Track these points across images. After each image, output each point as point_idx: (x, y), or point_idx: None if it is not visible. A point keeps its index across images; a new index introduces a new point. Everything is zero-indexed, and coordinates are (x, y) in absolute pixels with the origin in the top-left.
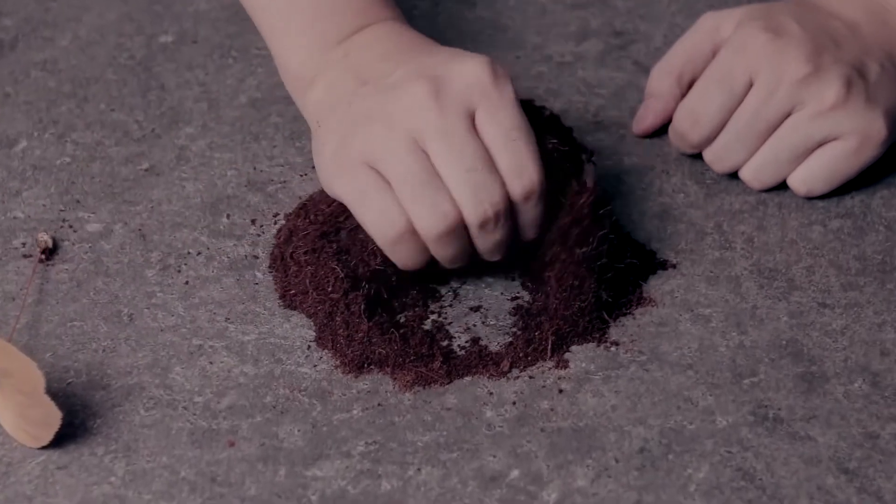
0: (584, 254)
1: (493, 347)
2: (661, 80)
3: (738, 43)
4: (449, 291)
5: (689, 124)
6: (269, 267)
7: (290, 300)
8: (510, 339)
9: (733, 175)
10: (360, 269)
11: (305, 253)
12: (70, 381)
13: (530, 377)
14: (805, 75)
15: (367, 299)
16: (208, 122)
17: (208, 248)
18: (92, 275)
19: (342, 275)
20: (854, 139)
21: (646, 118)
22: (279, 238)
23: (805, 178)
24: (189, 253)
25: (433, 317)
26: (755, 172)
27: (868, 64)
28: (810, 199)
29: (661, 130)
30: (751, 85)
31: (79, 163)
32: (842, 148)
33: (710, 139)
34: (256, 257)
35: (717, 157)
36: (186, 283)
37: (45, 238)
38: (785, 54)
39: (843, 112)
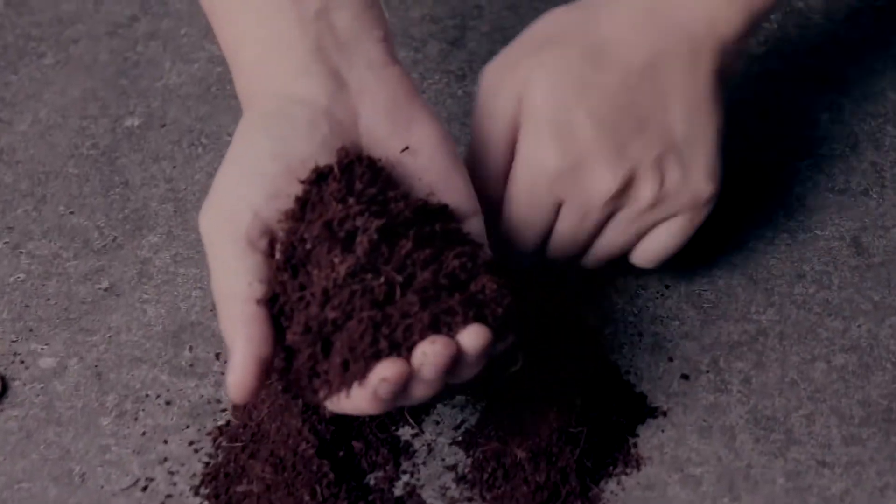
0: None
1: None
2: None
3: (532, 167)
4: (423, 445)
5: (514, 242)
6: (225, 426)
7: (248, 453)
8: None
9: (733, 297)
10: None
11: (269, 407)
12: None
13: None
14: (614, 193)
15: (335, 463)
16: (174, 228)
17: (168, 390)
18: (43, 423)
19: (311, 442)
20: (683, 215)
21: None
22: None
23: (643, 257)
24: (147, 396)
25: (405, 478)
26: (591, 261)
27: (673, 126)
28: (813, 329)
29: None
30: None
31: (34, 280)
32: (673, 225)
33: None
34: (219, 401)
35: (553, 256)
36: (143, 434)
37: None
38: (585, 181)
39: (664, 202)
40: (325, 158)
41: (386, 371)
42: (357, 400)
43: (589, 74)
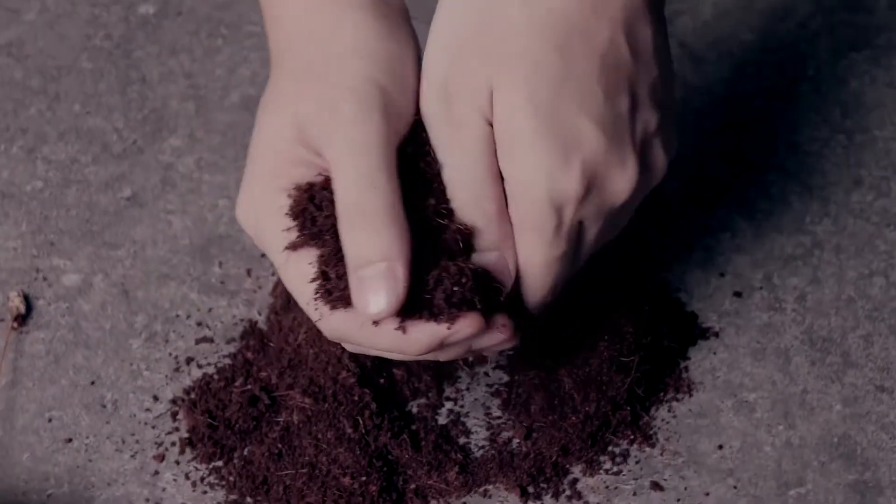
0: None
1: (516, 444)
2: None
3: (552, 198)
4: (466, 370)
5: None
6: (261, 342)
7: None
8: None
9: (787, 206)
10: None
11: (306, 332)
12: (50, 491)
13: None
14: (635, 184)
15: (377, 391)
16: (195, 130)
17: (198, 310)
18: (71, 346)
19: (352, 370)
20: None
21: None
22: (275, 300)
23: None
24: (178, 316)
25: (449, 405)
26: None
27: (653, 85)
28: (871, 241)
29: (715, 142)
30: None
31: (52, 188)
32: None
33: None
34: (253, 322)
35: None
36: (175, 357)
37: (16, 302)
38: (605, 188)
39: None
40: None
41: (471, 324)
42: (419, 336)
43: (564, 66)
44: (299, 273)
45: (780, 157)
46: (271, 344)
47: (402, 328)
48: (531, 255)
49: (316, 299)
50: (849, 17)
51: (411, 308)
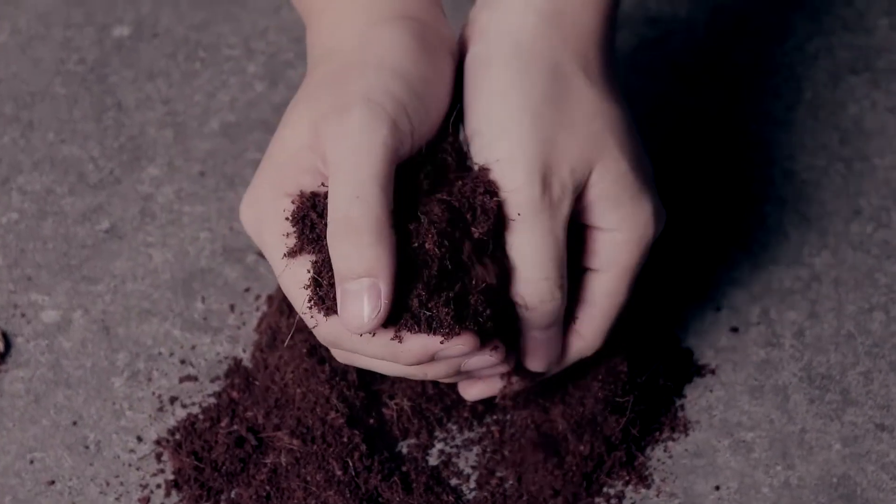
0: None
1: (508, 485)
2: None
3: (639, 244)
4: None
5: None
6: (247, 380)
7: (271, 427)
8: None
9: (784, 238)
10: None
11: (293, 371)
12: None
13: None
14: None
15: (366, 432)
16: (174, 158)
17: (181, 347)
18: (51, 385)
19: (340, 410)
20: None
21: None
22: (260, 337)
23: None
24: (160, 353)
25: (440, 445)
26: None
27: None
28: (871, 274)
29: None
30: None
31: (28, 220)
32: None
33: None
34: (238, 359)
35: None
36: (158, 396)
37: None
38: (642, 223)
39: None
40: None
41: (466, 342)
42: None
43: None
44: (296, 279)
45: (776, 185)
46: (257, 382)
47: (399, 337)
48: (610, 305)
49: (309, 307)
50: (848, 38)
51: (411, 318)
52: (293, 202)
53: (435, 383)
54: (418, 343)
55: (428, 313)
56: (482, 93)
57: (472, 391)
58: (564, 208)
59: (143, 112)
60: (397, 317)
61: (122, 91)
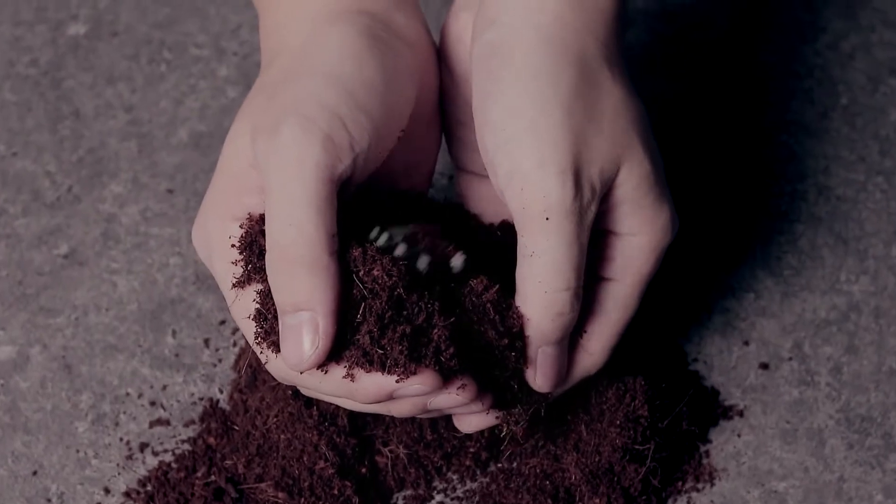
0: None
1: None
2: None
3: (658, 249)
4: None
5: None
6: (225, 424)
7: (253, 477)
8: None
9: (818, 261)
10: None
11: (276, 414)
12: None
13: None
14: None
15: (359, 483)
16: (139, 174)
17: (151, 387)
18: (9, 430)
19: (330, 459)
20: None
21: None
22: (239, 375)
23: None
24: (127, 394)
25: (439, 497)
26: None
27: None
28: None
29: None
30: None
31: None
32: None
33: None
34: (214, 401)
35: None
36: (126, 442)
37: None
38: (662, 227)
39: None
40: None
41: (425, 381)
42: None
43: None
44: (246, 310)
45: (809, 202)
46: (236, 427)
47: (351, 376)
48: (620, 317)
49: (257, 341)
50: (888, 35)
51: (362, 356)
52: (241, 226)
53: (433, 427)
54: (373, 382)
55: (380, 351)
56: (503, 83)
57: (469, 422)
58: (591, 212)
59: (104, 121)
60: (350, 352)
61: (80, 97)
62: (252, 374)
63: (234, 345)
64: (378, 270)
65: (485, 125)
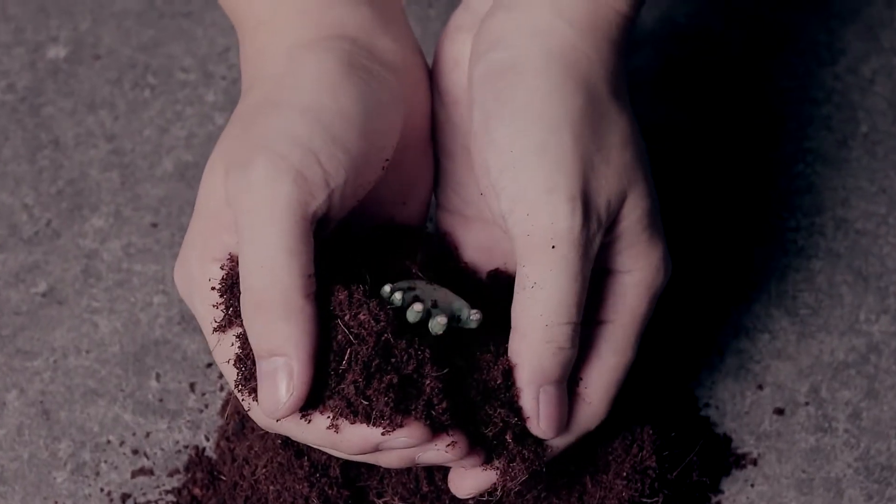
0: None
1: None
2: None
3: (653, 290)
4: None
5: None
6: (211, 474)
7: None
8: None
9: (836, 300)
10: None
11: (265, 464)
12: None
13: None
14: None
15: None
16: (122, 207)
17: (133, 434)
18: None
19: None
20: None
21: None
22: (226, 422)
23: None
24: (109, 442)
25: None
26: None
27: None
28: None
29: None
30: None
31: None
32: None
33: None
34: (200, 449)
35: None
36: (108, 493)
37: None
38: (657, 268)
39: None
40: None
41: (412, 435)
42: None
43: (600, 124)
44: (228, 354)
45: (827, 237)
46: (223, 477)
47: (335, 426)
48: (617, 363)
49: (238, 388)
50: None
51: (346, 406)
52: (222, 267)
53: (430, 478)
54: (357, 434)
55: (365, 402)
56: (511, 103)
57: (463, 486)
58: (596, 244)
59: (84, 150)
60: (334, 401)
61: (59, 125)
62: (240, 421)
63: (222, 389)
64: (365, 315)
65: (489, 146)
